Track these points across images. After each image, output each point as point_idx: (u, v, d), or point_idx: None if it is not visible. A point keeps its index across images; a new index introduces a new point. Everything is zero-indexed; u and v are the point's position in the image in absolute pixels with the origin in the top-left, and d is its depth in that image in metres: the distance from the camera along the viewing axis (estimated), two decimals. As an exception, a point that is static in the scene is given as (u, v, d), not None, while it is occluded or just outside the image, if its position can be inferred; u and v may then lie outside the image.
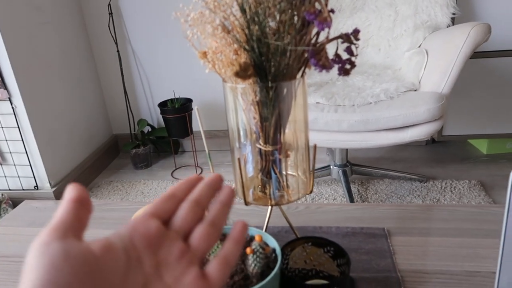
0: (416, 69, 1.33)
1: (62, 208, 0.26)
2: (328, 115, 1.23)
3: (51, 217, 0.77)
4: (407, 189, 1.63)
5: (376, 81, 1.37)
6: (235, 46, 0.50)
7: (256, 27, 0.44)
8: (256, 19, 0.44)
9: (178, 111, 1.82)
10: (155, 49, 2.01)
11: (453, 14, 1.50)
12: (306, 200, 1.59)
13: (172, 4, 1.90)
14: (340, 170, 1.61)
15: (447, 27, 1.49)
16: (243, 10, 0.43)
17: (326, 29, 0.48)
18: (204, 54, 0.53)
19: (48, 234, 0.24)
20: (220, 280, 0.28)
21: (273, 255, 0.50)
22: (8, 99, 1.52)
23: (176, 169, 2.00)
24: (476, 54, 1.55)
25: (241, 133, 0.55)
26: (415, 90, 1.27)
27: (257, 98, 0.52)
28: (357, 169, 1.69)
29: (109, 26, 1.96)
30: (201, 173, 1.93)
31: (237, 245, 0.30)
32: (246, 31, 0.45)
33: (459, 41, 1.17)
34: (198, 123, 2.11)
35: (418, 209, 0.77)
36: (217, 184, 0.32)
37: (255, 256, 0.47)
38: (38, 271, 0.22)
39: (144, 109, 2.16)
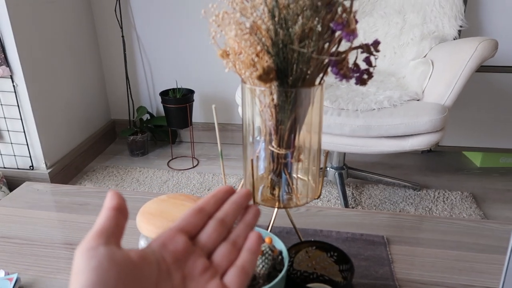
0: (421, 78, 1.34)
1: (104, 215, 0.28)
2: (331, 118, 1.24)
3: (51, 201, 0.77)
4: (401, 196, 1.65)
5: (380, 87, 1.38)
6: (258, 48, 0.50)
7: (283, 32, 0.45)
8: (284, 24, 0.44)
9: (179, 102, 1.82)
10: (160, 37, 2.00)
11: (461, 26, 1.51)
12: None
13: (181, -7, 1.89)
14: (336, 173, 1.63)
15: (454, 39, 1.50)
16: (272, 15, 0.44)
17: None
18: (225, 54, 0.54)
19: (94, 239, 0.26)
20: None
21: (279, 257, 0.51)
22: (10, 76, 1.50)
23: (173, 159, 2.00)
24: (478, 68, 1.57)
25: (256, 130, 0.56)
26: (418, 100, 1.29)
27: (275, 101, 0.52)
28: (353, 172, 1.71)
29: (115, 10, 1.94)
30: (197, 164, 1.93)
31: (253, 255, 0.31)
32: (273, 35, 0.45)
33: (466, 55, 1.18)
34: (196, 115, 2.11)
35: (417, 219, 0.79)
36: (244, 202, 0.34)
37: (263, 258, 0.47)
38: (87, 273, 0.24)
39: (144, 97, 2.15)
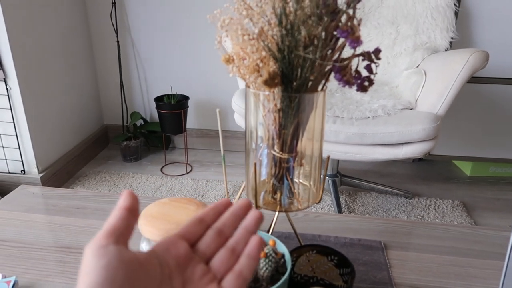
0: (414, 88, 1.36)
1: (116, 215, 0.29)
2: (326, 125, 1.25)
3: (47, 204, 0.76)
4: (393, 204, 1.67)
5: (373, 96, 1.40)
6: (263, 54, 0.51)
7: (290, 38, 0.46)
8: (290, 31, 0.45)
9: (173, 107, 1.82)
10: (156, 43, 2.00)
11: (452, 38, 1.54)
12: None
13: (178, 0, 1.90)
14: (330, 180, 1.64)
15: (445, 50, 1.54)
16: (280, 22, 0.45)
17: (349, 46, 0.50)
18: (229, 59, 0.54)
19: (105, 237, 0.27)
20: None
21: (282, 260, 0.52)
22: (3, 80, 1.49)
23: (166, 165, 1.99)
24: (469, 78, 1.60)
25: (259, 136, 0.56)
26: (411, 109, 1.31)
27: (278, 106, 0.53)
28: (346, 180, 1.72)
29: (111, 16, 1.94)
30: (190, 171, 1.93)
31: (252, 261, 0.32)
32: (280, 41, 0.46)
33: (458, 66, 1.21)
34: (190, 121, 2.11)
35: (412, 226, 0.80)
36: (243, 212, 0.35)
37: (267, 260, 0.48)
38: (96, 271, 0.25)
39: (138, 102, 2.15)
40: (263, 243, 0.33)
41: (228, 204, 0.36)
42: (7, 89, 1.50)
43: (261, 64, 0.51)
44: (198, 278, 0.30)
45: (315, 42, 0.47)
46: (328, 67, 0.52)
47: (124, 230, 0.28)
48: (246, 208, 0.35)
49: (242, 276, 0.31)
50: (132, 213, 0.30)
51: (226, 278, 0.31)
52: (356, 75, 0.53)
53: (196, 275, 0.30)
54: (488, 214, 1.63)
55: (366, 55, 0.53)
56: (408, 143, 1.24)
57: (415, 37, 1.56)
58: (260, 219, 0.34)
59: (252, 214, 0.34)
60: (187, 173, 1.91)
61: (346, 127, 1.24)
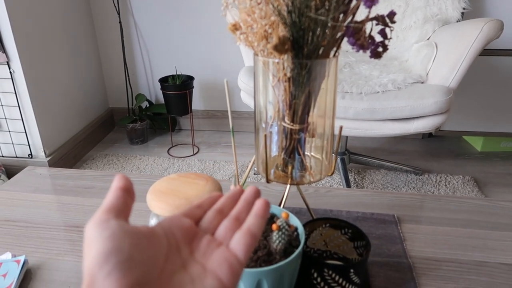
0: (425, 61, 1.33)
1: (112, 194, 0.29)
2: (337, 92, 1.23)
3: (55, 184, 0.76)
4: (403, 181, 1.65)
5: (383, 71, 1.37)
6: (272, 18, 0.48)
7: (300, 0, 0.43)
8: (301, -9, 0.43)
9: (179, 88, 1.80)
10: (159, 23, 1.96)
11: (464, 9, 1.49)
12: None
13: (179, -22, 1.85)
14: (338, 158, 1.62)
15: (457, 21, 1.49)
16: (289, -19, 0.42)
17: (362, 10, 0.48)
18: (235, 27, 0.52)
19: (104, 213, 0.27)
20: (245, 252, 0.29)
21: (295, 233, 0.50)
22: (6, 63, 1.47)
23: (173, 146, 1.98)
24: (483, 49, 1.56)
25: (269, 112, 0.54)
26: (422, 82, 1.28)
27: (289, 75, 0.51)
28: (355, 158, 1.70)
29: (112, -4, 1.90)
30: (197, 152, 1.92)
31: (260, 219, 0.31)
32: (290, 3, 0.44)
33: (471, 36, 1.17)
34: (196, 103, 2.09)
35: (426, 199, 0.78)
36: (252, 198, 0.34)
37: (280, 233, 0.46)
38: (102, 241, 0.24)
39: (143, 84, 2.13)
40: (268, 205, 0.32)
41: (236, 194, 0.35)
42: (10, 72, 1.49)
43: (270, 30, 0.49)
44: (206, 246, 0.30)
45: (327, 3, 0.45)
46: (340, 33, 0.50)
47: (123, 208, 0.28)
48: (255, 195, 0.34)
49: (251, 233, 0.30)
50: (128, 193, 0.30)
51: (234, 237, 0.30)
52: (370, 41, 0.51)
53: (203, 243, 0.30)
54: (499, 189, 1.61)
55: (380, 19, 0.50)
56: (419, 117, 1.21)
57: (425, 9, 1.51)
58: (267, 206, 0.32)
59: (259, 201, 0.33)
60: (194, 154, 1.90)
61: (356, 102, 1.21)
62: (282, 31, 0.47)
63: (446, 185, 1.62)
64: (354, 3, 0.47)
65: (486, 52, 1.65)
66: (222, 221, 0.32)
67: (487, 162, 1.83)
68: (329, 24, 0.45)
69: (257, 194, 0.34)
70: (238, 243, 0.29)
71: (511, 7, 1.61)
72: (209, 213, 0.33)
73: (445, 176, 1.68)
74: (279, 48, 0.46)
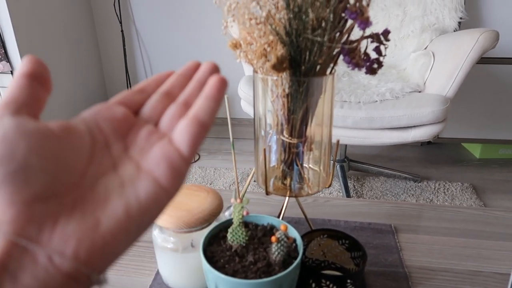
0: (422, 70, 1.35)
1: (14, 84, 0.22)
2: (334, 110, 1.25)
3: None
4: (402, 188, 1.67)
5: (381, 79, 1.39)
6: (270, 38, 0.50)
7: (297, 21, 0.45)
8: (298, 13, 0.45)
9: (180, 96, 1.82)
10: (160, 31, 1.99)
11: (461, 18, 1.51)
12: (303, 192, 1.62)
13: (180, -13, 1.88)
14: (338, 165, 1.63)
15: (454, 31, 1.51)
16: (287, 4, 0.44)
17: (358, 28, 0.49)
18: (235, 44, 0.54)
19: None
20: (190, 146, 0.23)
21: (294, 244, 0.52)
22: (10, 72, 1.49)
23: (174, 153, 2.00)
24: (479, 59, 1.58)
25: (268, 122, 0.56)
26: (419, 91, 1.29)
27: (287, 91, 0.53)
28: (354, 165, 1.72)
29: (114, 5, 1.93)
30: (198, 159, 1.94)
31: (212, 102, 0.25)
32: (287, 24, 0.46)
33: (467, 46, 1.19)
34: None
35: (422, 208, 0.80)
36: (191, 72, 0.28)
37: (279, 245, 0.48)
38: None
39: (144, 92, 2.15)
40: (224, 84, 0.26)
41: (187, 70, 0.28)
42: (14, 81, 1.51)
43: (268, 49, 0.51)
44: (145, 140, 0.24)
45: (323, 24, 0.47)
46: (337, 50, 0.51)
47: (28, 100, 0.22)
48: (210, 71, 0.27)
49: (198, 121, 0.23)
50: (38, 81, 0.22)
51: (177, 126, 0.24)
52: (365, 58, 0.52)
53: (141, 137, 0.24)
54: (498, 196, 1.62)
55: (375, 37, 0.52)
56: (417, 126, 1.23)
57: (422, 18, 1.54)
58: (222, 82, 0.26)
59: (212, 78, 0.26)
60: (195, 161, 1.92)
61: (354, 111, 1.23)
62: (280, 50, 0.49)
63: (444, 192, 1.63)
64: (350, 23, 0.49)
65: (484, 60, 1.67)
66: (169, 107, 0.26)
67: (486, 168, 1.84)
68: (325, 45, 0.47)
69: (213, 69, 0.27)
70: (182, 134, 0.23)
71: (507, 16, 1.63)
72: (153, 97, 0.26)
73: (444, 183, 1.69)
74: (277, 67, 0.48)
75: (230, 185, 1.69)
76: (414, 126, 1.23)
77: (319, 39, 0.46)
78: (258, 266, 0.48)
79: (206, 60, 0.28)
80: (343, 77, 1.46)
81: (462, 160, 1.93)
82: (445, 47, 1.32)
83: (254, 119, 0.58)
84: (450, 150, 2.03)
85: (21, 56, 1.48)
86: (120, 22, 1.95)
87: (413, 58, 1.47)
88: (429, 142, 2.07)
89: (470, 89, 1.75)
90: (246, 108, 1.42)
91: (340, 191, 1.62)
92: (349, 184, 1.68)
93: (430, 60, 1.33)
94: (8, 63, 1.48)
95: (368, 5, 0.45)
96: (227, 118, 2.09)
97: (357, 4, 0.46)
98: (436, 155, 1.97)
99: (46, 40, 1.64)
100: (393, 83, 1.32)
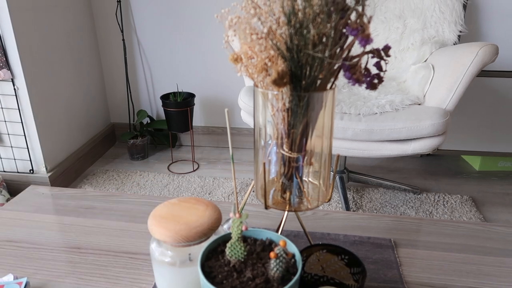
0: (422, 83, 1.35)
1: None
2: (334, 122, 1.25)
3: (57, 204, 0.77)
4: (401, 200, 1.66)
5: (381, 91, 1.39)
6: (271, 53, 0.50)
7: (299, 37, 0.45)
8: (299, 29, 0.45)
9: (180, 105, 1.82)
10: (161, 41, 2.00)
11: (460, 31, 1.52)
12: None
13: (182, -2, 1.89)
14: (337, 176, 1.63)
15: (454, 44, 1.52)
16: (289, 20, 0.44)
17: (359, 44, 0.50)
18: (237, 58, 0.54)
19: None
20: None
21: (292, 260, 0.52)
22: (11, 80, 1.49)
23: (173, 162, 2.00)
24: (478, 73, 1.59)
25: (268, 134, 0.56)
26: (419, 104, 1.30)
27: (287, 105, 0.53)
28: (353, 176, 1.72)
29: (116, 15, 1.94)
30: (197, 168, 1.93)
31: None
32: (288, 40, 0.46)
33: (467, 60, 1.19)
34: (197, 119, 2.11)
35: (422, 223, 0.79)
36: None
37: (278, 261, 0.47)
38: None
39: (145, 100, 2.15)
40: None
41: None
42: (14, 89, 1.51)
43: (269, 63, 0.51)
44: None
45: (324, 40, 0.47)
46: (337, 65, 0.52)
47: None
48: None
49: None
50: None
51: None
52: (366, 73, 0.53)
53: None
54: (497, 209, 1.62)
55: (375, 53, 0.52)
56: (417, 138, 1.23)
57: (422, 31, 1.55)
58: None
59: None
60: (194, 170, 1.92)
61: (354, 123, 1.23)
62: (281, 64, 0.49)
63: (444, 205, 1.63)
64: (350, 39, 0.49)
65: (483, 73, 1.68)
66: None
67: (485, 181, 1.84)
68: (327, 60, 0.47)
69: None
70: None
71: (507, 30, 1.64)
72: None
73: (443, 196, 1.69)
74: (278, 82, 0.48)
75: (229, 195, 1.69)
76: (414, 139, 1.23)
77: (320, 55, 0.46)
78: (256, 282, 0.48)
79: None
80: (343, 88, 1.46)
81: (461, 172, 1.92)
82: (445, 60, 1.32)
83: (254, 130, 0.58)
84: (450, 162, 2.03)
85: (22, 64, 1.48)
86: (122, 31, 1.96)
87: (413, 70, 1.48)
88: (428, 154, 2.07)
89: (469, 101, 1.75)
90: (246, 119, 1.42)
91: (340, 202, 1.61)
92: (348, 195, 1.67)
93: (430, 73, 1.34)
94: (9, 71, 1.48)
95: (369, 22, 0.45)
96: (226, 128, 2.09)
97: (358, 21, 0.46)
98: (436, 167, 1.97)
99: (47, 48, 1.64)
100: (393, 95, 1.33)
